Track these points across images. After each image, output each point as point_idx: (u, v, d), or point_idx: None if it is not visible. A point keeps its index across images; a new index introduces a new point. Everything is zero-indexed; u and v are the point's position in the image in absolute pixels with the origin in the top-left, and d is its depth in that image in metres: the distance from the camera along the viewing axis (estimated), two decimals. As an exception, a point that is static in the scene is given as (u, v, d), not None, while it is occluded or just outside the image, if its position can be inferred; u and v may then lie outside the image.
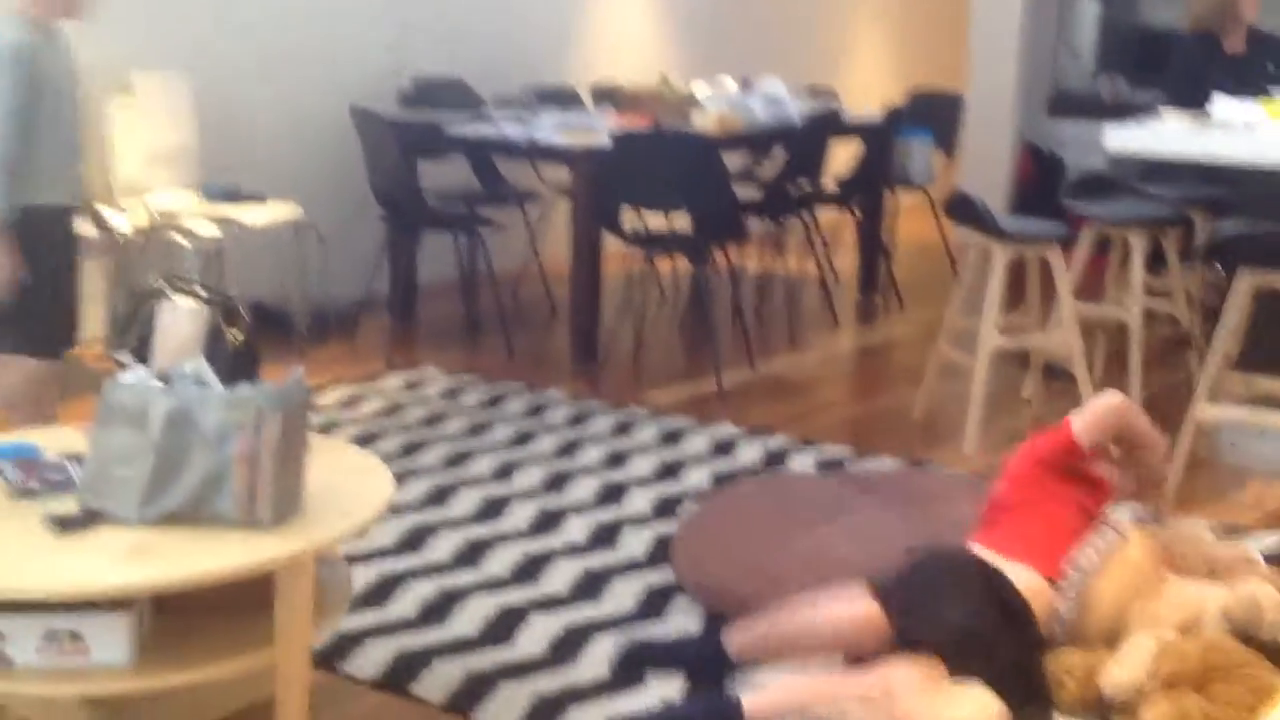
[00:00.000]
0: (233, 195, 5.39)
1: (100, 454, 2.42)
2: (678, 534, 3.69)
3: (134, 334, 4.76)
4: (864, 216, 6.75)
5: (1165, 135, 4.50)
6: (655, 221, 6.72)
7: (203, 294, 4.48)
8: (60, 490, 2.54)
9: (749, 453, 4.50)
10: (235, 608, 2.51)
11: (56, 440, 2.84)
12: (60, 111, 3.62)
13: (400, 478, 3.97)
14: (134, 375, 2.53)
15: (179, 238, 5.16)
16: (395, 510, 3.81)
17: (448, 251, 6.39)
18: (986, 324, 4.49)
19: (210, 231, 5.22)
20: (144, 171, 5.30)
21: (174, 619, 2.48)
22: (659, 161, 5.35)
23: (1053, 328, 4.82)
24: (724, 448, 4.55)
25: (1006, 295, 4.56)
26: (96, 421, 2.43)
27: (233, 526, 2.41)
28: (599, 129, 5.63)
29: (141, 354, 4.67)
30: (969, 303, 4.76)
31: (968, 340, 4.76)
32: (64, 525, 2.38)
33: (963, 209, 4.59)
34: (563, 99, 6.69)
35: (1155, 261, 5.10)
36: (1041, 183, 8.16)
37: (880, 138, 6.46)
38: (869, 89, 9.07)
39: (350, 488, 2.67)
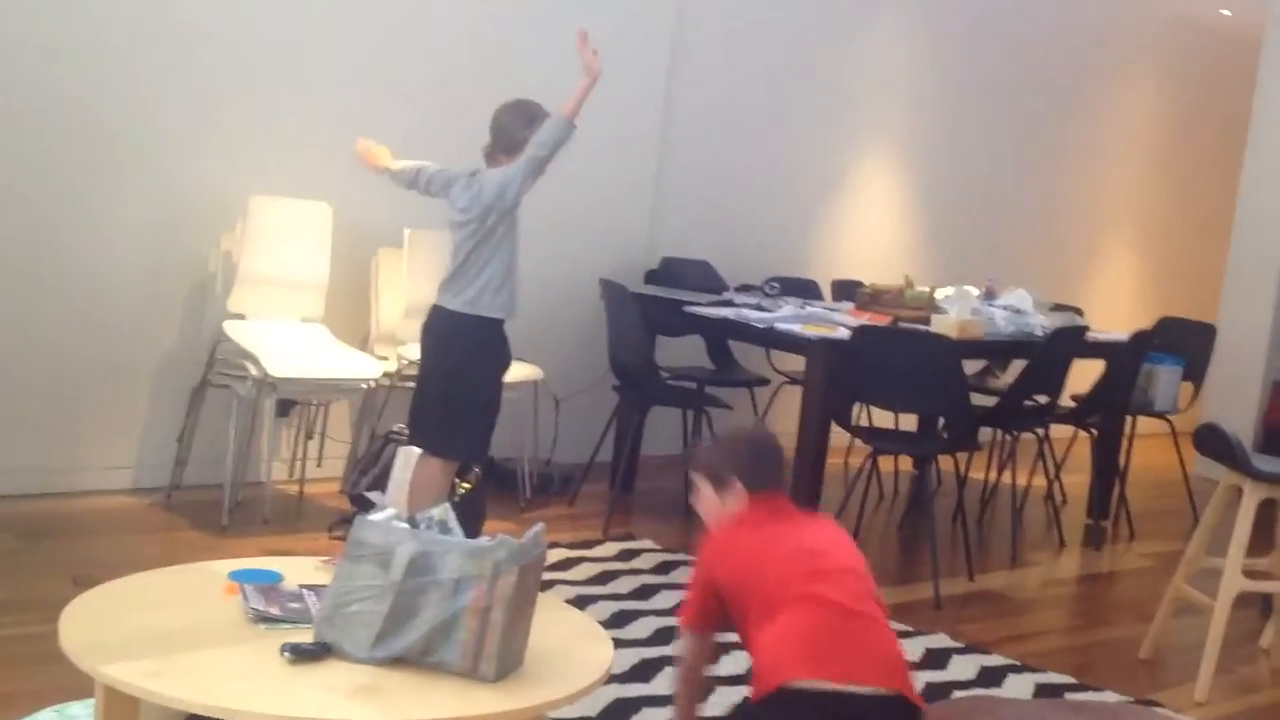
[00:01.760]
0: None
1: (341, 588, 2.50)
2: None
3: (371, 475, 4.97)
4: (1101, 438, 6.56)
5: None
6: (882, 418, 6.69)
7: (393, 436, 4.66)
8: (297, 620, 2.62)
9: (962, 668, 4.35)
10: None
11: (295, 570, 2.95)
12: (516, 238, 4.33)
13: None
14: (383, 515, 2.61)
15: (424, 386, 5.35)
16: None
17: (674, 426, 6.48)
18: (1231, 565, 4.28)
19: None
20: (402, 323, 5.55)
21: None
22: (895, 360, 5.34)
23: (1300, 577, 4.56)
24: (937, 659, 4.41)
25: (1252, 536, 4.35)
26: (345, 555, 2.51)
27: (456, 676, 2.44)
28: (838, 322, 5.68)
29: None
30: (1210, 540, 4.56)
31: (1205, 579, 4.54)
32: (298, 655, 2.45)
33: (1213, 442, 4.42)
34: (803, 290, 6.78)
35: None
36: (1291, 424, 7.84)
37: (1125, 360, 6.32)
38: (1116, 310, 8.92)
39: (571, 650, 2.69)
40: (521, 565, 2.47)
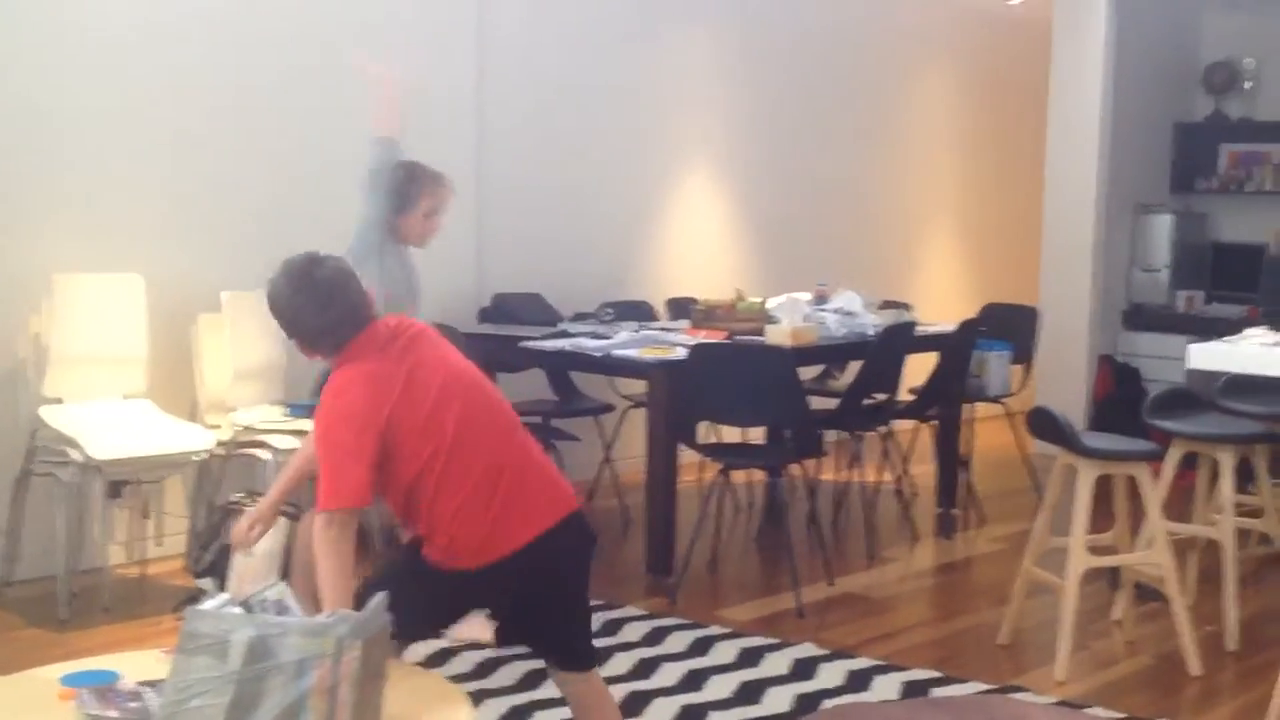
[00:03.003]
0: (314, 411, 5.44)
1: (178, 684, 2.38)
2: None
3: (211, 551, 4.79)
4: (941, 429, 6.70)
5: (1248, 353, 4.47)
6: (730, 433, 6.72)
7: (282, 509, 4.52)
8: None
9: (831, 675, 4.38)
10: (308, 846, 2.43)
11: (134, 666, 2.82)
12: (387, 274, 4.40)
13: (474, 697, 3.89)
14: (215, 602, 2.51)
15: (261, 453, 5.21)
16: (469, 735, 3.72)
17: (523, 463, 6.40)
18: (1075, 544, 4.39)
19: (291, 445, 5.27)
20: (230, 388, 5.39)
21: None
22: (734, 374, 5.36)
23: (1143, 546, 4.70)
24: (805, 669, 4.43)
25: (1092, 512, 4.46)
26: (177, 649, 2.40)
27: (309, 760, 2.35)
28: (674, 342, 5.69)
29: (218, 572, 4.68)
30: (1053, 519, 4.66)
31: (1054, 558, 4.65)
32: (139, 757, 2.34)
33: (1045, 426, 4.53)
34: (638, 313, 6.78)
35: (1242, 478, 4.99)
36: (1119, 395, 8.10)
37: (956, 350, 6.45)
38: (944, 302, 9.11)
39: (427, 716, 2.62)
40: (365, 639, 2.39)
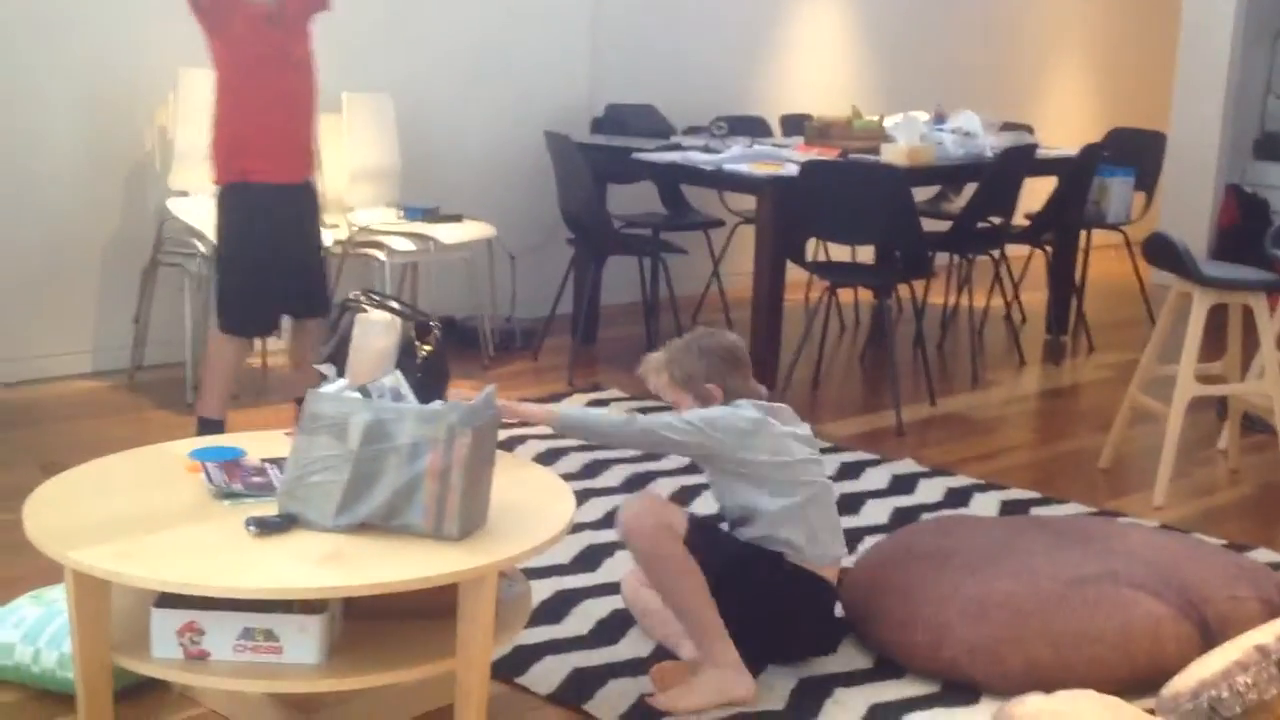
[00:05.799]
0: (431, 215, 5.55)
1: (300, 461, 2.51)
2: (850, 573, 3.63)
3: (330, 344, 4.94)
4: (1056, 255, 6.60)
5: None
6: (838, 252, 6.70)
7: (397, 308, 4.63)
8: (261, 494, 2.64)
9: (929, 491, 4.44)
10: (421, 616, 2.57)
11: (259, 445, 2.96)
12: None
13: (579, 496, 4.01)
14: (335, 386, 2.62)
15: (378, 253, 5.33)
16: (573, 529, 3.85)
17: (632, 274, 6.47)
18: (1184, 372, 4.35)
19: (407, 248, 5.39)
20: (348, 189, 5.49)
21: (362, 624, 2.56)
22: (846, 192, 5.32)
23: (1253, 378, 4.64)
24: (904, 485, 4.49)
25: (1205, 342, 4.41)
26: (299, 429, 2.52)
27: (421, 538, 2.48)
28: (786, 158, 5.64)
29: (337, 363, 4.84)
30: (1165, 348, 4.62)
31: (1162, 387, 4.61)
32: (263, 528, 2.48)
33: (1162, 252, 4.45)
34: (752, 128, 6.72)
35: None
36: (1245, 226, 7.89)
37: (1077, 175, 6.32)
38: (1067, 126, 8.88)
39: (534, 506, 2.73)
40: (475, 427, 2.48)
